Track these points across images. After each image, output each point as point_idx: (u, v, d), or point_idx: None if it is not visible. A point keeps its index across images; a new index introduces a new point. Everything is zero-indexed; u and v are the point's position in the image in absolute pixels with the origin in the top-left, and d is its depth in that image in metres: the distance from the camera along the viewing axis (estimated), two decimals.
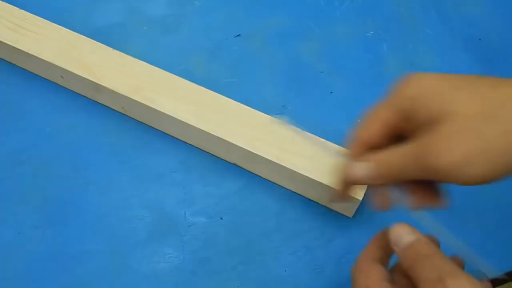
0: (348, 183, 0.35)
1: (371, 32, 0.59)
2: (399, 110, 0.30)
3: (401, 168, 0.30)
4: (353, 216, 0.46)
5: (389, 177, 0.31)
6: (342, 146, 0.45)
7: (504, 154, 0.26)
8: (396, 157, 0.30)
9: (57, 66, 0.50)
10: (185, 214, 0.46)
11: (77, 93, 0.52)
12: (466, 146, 0.26)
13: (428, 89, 0.29)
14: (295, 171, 0.44)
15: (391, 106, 0.31)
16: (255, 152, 0.45)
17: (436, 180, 0.29)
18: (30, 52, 0.50)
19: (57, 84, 0.53)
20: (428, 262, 0.28)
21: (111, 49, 0.51)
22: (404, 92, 0.30)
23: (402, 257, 0.30)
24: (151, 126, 0.50)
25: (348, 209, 0.45)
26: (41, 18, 0.53)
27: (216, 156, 0.49)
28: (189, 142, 0.50)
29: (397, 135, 0.32)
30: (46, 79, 0.53)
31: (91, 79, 0.49)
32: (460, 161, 0.26)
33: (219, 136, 0.46)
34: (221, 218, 0.46)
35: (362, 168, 0.32)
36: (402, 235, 0.31)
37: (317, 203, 0.47)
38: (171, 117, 0.47)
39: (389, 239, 0.31)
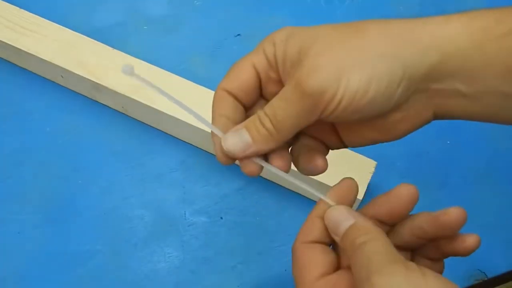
0: (231, 158, 0.28)
1: None
2: (268, 54, 0.27)
3: (286, 122, 0.25)
4: None
5: (273, 140, 0.26)
6: None
7: (371, 66, 0.24)
8: (276, 110, 0.26)
9: (57, 66, 0.50)
10: (185, 214, 0.46)
11: (77, 93, 0.52)
12: (332, 62, 0.24)
13: (295, 31, 0.27)
14: (295, 171, 0.44)
15: (259, 51, 0.28)
16: None
17: (323, 116, 0.26)
18: (30, 52, 0.50)
19: (57, 84, 0.53)
20: (360, 254, 0.25)
21: (111, 49, 0.51)
22: (271, 37, 0.27)
23: (343, 248, 0.27)
24: (151, 126, 0.50)
25: None
26: (41, 18, 0.53)
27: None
28: (189, 142, 0.50)
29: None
30: (46, 79, 0.53)
31: (91, 79, 0.49)
32: (328, 77, 0.24)
33: (219, 136, 0.45)
34: (221, 218, 0.46)
35: (234, 140, 0.27)
36: (339, 220, 0.27)
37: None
38: (171, 116, 0.47)
39: (327, 227, 0.28)
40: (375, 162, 0.44)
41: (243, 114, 0.29)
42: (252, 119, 0.26)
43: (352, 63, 0.24)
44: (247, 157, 0.27)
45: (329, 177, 0.43)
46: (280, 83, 0.28)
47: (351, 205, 0.30)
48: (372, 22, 0.26)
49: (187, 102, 0.47)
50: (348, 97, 0.24)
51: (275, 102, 0.26)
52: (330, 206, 0.29)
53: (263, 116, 0.26)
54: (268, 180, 0.48)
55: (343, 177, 0.43)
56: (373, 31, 0.25)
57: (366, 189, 0.43)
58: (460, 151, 0.51)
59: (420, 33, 0.26)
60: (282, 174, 0.29)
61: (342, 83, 0.24)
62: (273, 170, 0.28)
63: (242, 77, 0.28)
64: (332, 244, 0.29)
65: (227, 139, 0.27)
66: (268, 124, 0.26)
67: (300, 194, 0.47)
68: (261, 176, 0.48)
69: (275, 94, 0.27)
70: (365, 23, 0.26)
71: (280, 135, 0.26)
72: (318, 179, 0.43)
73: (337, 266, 0.28)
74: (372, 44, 0.25)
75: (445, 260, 0.44)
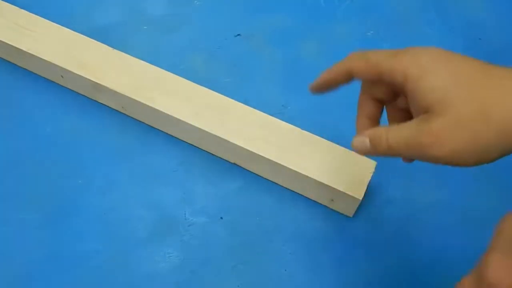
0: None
1: (371, 32, 0.59)
2: (390, 80, 0.32)
3: (395, 150, 0.31)
4: (353, 216, 0.46)
5: (383, 154, 0.32)
6: (342, 146, 0.45)
7: (494, 148, 0.28)
8: (392, 138, 0.31)
9: (57, 66, 0.50)
10: (185, 214, 0.46)
11: (77, 93, 0.52)
12: (458, 141, 0.28)
13: (425, 73, 0.29)
14: (295, 171, 0.44)
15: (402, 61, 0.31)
16: (255, 152, 0.45)
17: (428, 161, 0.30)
18: (30, 52, 0.50)
19: (57, 84, 0.53)
20: None
21: (111, 49, 0.51)
22: (399, 64, 0.31)
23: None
24: (151, 126, 0.51)
25: (348, 209, 0.45)
26: (41, 18, 0.53)
27: (216, 156, 0.49)
28: (189, 142, 0.50)
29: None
30: (46, 79, 0.53)
31: (91, 78, 0.49)
32: (450, 155, 0.28)
33: (219, 136, 0.46)
34: (221, 218, 0.46)
35: (360, 142, 0.33)
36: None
37: (317, 203, 0.47)
38: (171, 116, 0.47)
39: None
40: (375, 162, 0.44)
41: (380, 109, 0.36)
42: (377, 134, 0.32)
43: (473, 148, 0.28)
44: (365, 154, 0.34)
45: (329, 177, 0.44)
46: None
47: None
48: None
49: (187, 102, 0.48)
50: (458, 165, 0.29)
51: (397, 133, 0.31)
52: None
53: (384, 138, 0.31)
54: (268, 180, 0.48)
55: (343, 177, 0.44)
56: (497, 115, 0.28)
57: (366, 189, 0.43)
58: None
59: None
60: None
61: (458, 161, 0.29)
62: None
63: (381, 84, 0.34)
64: None
65: (355, 140, 0.33)
66: (385, 145, 0.31)
67: (300, 194, 0.47)
68: (261, 176, 0.48)
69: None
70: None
71: (391, 154, 0.32)
72: (318, 180, 0.43)
73: None
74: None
75: (445, 260, 0.44)
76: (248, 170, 0.48)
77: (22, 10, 0.53)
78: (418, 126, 0.29)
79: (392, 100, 0.35)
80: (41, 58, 0.50)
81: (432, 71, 0.29)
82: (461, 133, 0.28)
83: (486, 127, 0.27)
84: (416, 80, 0.29)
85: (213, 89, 0.49)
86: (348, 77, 0.35)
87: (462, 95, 0.28)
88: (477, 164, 0.28)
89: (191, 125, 0.46)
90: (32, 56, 0.50)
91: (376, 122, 0.36)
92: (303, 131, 0.46)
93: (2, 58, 0.54)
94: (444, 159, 0.28)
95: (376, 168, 0.44)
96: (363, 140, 0.32)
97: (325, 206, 0.47)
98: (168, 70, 0.50)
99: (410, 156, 0.31)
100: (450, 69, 0.29)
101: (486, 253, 0.28)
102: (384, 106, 0.36)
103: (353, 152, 0.45)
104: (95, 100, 0.52)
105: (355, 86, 0.38)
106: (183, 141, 0.50)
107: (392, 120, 0.37)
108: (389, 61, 0.31)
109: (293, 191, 0.47)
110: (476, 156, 0.28)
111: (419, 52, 0.30)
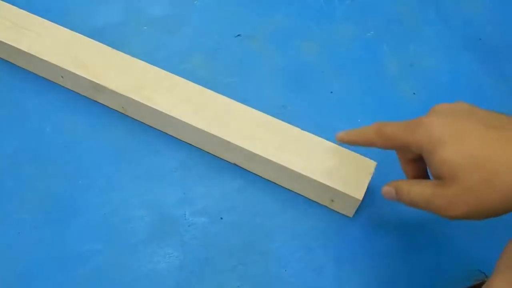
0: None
1: (371, 32, 0.59)
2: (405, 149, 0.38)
3: (416, 204, 0.36)
4: (353, 216, 0.46)
5: (406, 204, 0.37)
6: (342, 146, 0.45)
7: (500, 209, 0.32)
8: (414, 195, 0.36)
9: (57, 66, 0.50)
10: (185, 214, 0.46)
11: (77, 93, 0.52)
12: (467, 206, 0.32)
13: (436, 148, 0.33)
14: (295, 171, 0.44)
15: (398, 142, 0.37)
16: (255, 152, 0.45)
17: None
18: (30, 52, 0.50)
19: (57, 84, 0.53)
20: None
21: (111, 49, 0.51)
22: (413, 138, 0.35)
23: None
24: (151, 126, 0.51)
25: (348, 209, 0.45)
26: (41, 18, 0.53)
27: (216, 156, 0.49)
28: (189, 142, 0.50)
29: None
30: (46, 79, 0.53)
31: (91, 79, 0.49)
32: (462, 216, 0.33)
33: (219, 136, 0.46)
34: (221, 218, 0.46)
35: (388, 191, 0.39)
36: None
37: (317, 203, 0.47)
38: (171, 117, 0.47)
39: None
40: (375, 163, 0.44)
41: (416, 165, 0.41)
42: (400, 188, 0.37)
43: (480, 211, 0.32)
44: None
45: (329, 177, 0.44)
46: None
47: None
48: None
49: (187, 102, 0.48)
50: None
51: (418, 190, 0.36)
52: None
53: (406, 193, 0.36)
54: (268, 180, 0.48)
55: (343, 177, 0.44)
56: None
57: (366, 190, 0.43)
58: None
59: None
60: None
61: (470, 219, 0.33)
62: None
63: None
64: None
65: (385, 188, 0.39)
66: (407, 199, 0.37)
67: (300, 195, 0.47)
68: (261, 177, 0.48)
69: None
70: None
71: (413, 206, 0.37)
72: (319, 180, 0.43)
73: None
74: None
75: (445, 260, 0.44)
76: (248, 170, 0.48)
77: (22, 10, 0.53)
78: (435, 190, 0.34)
79: None
80: (41, 58, 0.50)
81: (442, 145, 0.33)
82: (469, 199, 0.32)
83: (490, 193, 0.31)
84: (429, 154, 0.34)
85: (213, 89, 0.49)
86: (373, 146, 0.40)
87: (468, 168, 0.32)
88: (487, 218, 0.33)
89: (191, 125, 0.46)
90: (32, 56, 0.50)
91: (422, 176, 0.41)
92: (303, 131, 0.46)
93: (2, 58, 0.54)
94: (456, 218, 0.33)
95: (376, 168, 0.44)
96: (391, 190, 0.38)
97: (325, 206, 0.47)
98: (168, 70, 0.50)
99: (428, 211, 0.35)
100: (460, 140, 0.33)
101: (491, 277, 0.32)
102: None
103: (353, 152, 0.45)
104: (95, 100, 0.52)
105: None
106: (183, 141, 0.50)
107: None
108: (405, 135, 0.36)
109: (293, 191, 0.47)
110: (484, 215, 0.32)
111: (431, 125, 0.34)
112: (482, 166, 0.31)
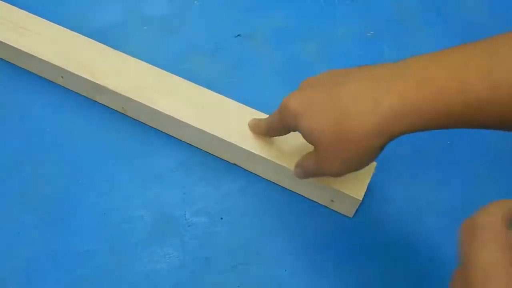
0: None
1: (371, 32, 0.59)
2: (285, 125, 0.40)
3: (313, 174, 0.40)
4: (353, 216, 0.46)
5: (304, 177, 0.42)
6: None
7: (366, 156, 0.35)
8: (306, 167, 0.40)
9: (57, 66, 0.50)
10: (185, 214, 0.46)
11: (77, 93, 0.52)
12: (340, 161, 0.35)
13: (297, 120, 0.36)
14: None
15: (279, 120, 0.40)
16: (255, 152, 0.45)
17: None
18: (30, 52, 0.50)
19: (57, 84, 0.53)
20: None
21: (111, 49, 0.51)
22: (281, 120, 0.39)
23: None
24: (151, 126, 0.51)
25: (348, 209, 0.45)
26: (41, 18, 0.53)
27: (216, 156, 0.49)
28: (189, 142, 0.50)
29: None
30: (46, 79, 0.53)
31: (91, 79, 0.49)
32: (343, 170, 0.37)
33: (219, 136, 0.46)
34: (221, 218, 0.46)
35: (297, 173, 0.42)
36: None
37: (317, 203, 0.47)
38: (171, 117, 0.47)
39: None
40: (375, 163, 0.44)
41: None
42: (302, 165, 0.41)
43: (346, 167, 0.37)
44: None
45: (329, 178, 0.44)
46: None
47: None
48: None
49: (187, 102, 0.48)
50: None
51: (308, 163, 0.40)
52: None
53: (305, 167, 0.40)
54: (268, 180, 0.48)
55: (343, 177, 0.44)
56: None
57: (366, 189, 0.43)
58: (460, 151, 0.51)
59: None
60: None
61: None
62: None
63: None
64: None
65: (295, 170, 0.42)
66: (310, 173, 0.41)
67: (300, 195, 0.47)
68: (261, 177, 0.48)
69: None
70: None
71: (313, 176, 0.41)
72: (319, 180, 0.43)
73: None
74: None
75: (444, 260, 0.44)
76: (248, 170, 0.48)
77: (22, 10, 0.53)
78: (314, 157, 0.37)
79: None
80: (41, 58, 0.50)
81: (300, 118, 0.36)
82: (336, 155, 0.35)
83: (348, 143, 0.34)
84: (295, 128, 0.37)
85: (213, 89, 0.49)
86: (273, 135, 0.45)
87: (324, 131, 0.35)
88: (367, 163, 0.36)
89: (191, 125, 0.46)
90: (32, 56, 0.50)
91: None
92: None
93: (2, 58, 0.54)
94: (343, 174, 0.37)
95: (376, 168, 0.44)
96: (298, 172, 0.41)
97: (325, 207, 0.47)
98: (168, 70, 0.50)
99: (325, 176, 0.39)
100: (310, 109, 0.36)
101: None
102: None
103: None
104: (95, 101, 0.52)
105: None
106: (183, 141, 0.50)
107: None
108: (278, 121, 0.40)
109: (293, 191, 0.47)
110: (359, 162, 0.36)
111: (289, 102, 0.37)
112: (333, 125, 0.34)
